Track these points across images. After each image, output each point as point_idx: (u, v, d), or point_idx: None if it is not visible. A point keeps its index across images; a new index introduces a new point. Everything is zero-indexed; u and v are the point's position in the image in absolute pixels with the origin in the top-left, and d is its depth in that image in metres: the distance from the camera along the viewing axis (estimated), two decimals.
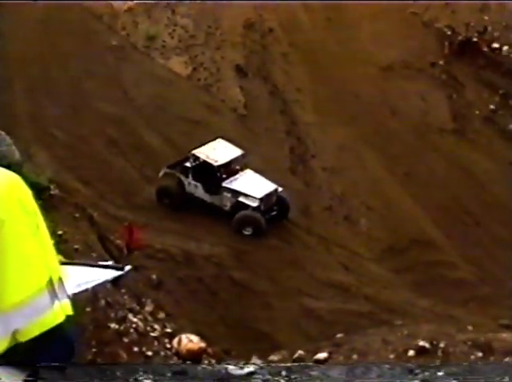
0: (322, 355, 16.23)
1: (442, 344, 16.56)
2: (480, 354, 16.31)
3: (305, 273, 26.53)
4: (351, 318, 23.76)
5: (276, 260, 26.32)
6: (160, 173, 29.83)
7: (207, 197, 29.59)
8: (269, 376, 13.36)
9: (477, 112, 40.07)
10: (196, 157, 29.58)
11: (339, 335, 18.80)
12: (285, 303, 24.27)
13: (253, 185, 29.59)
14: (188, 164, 29.75)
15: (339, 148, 35.01)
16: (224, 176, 29.61)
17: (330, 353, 16.35)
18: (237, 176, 29.90)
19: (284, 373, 13.96)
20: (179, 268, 24.53)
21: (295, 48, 37.81)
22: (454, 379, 13.23)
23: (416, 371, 14.36)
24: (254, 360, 15.75)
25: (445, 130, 38.73)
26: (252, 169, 30.93)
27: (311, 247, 28.44)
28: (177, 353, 15.81)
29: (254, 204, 29.17)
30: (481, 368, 14.24)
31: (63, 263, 3.78)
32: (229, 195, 29.48)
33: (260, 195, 29.27)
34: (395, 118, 38.12)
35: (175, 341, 16.21)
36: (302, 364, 15.94)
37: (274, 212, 29.39)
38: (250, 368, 14.00)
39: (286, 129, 34.73)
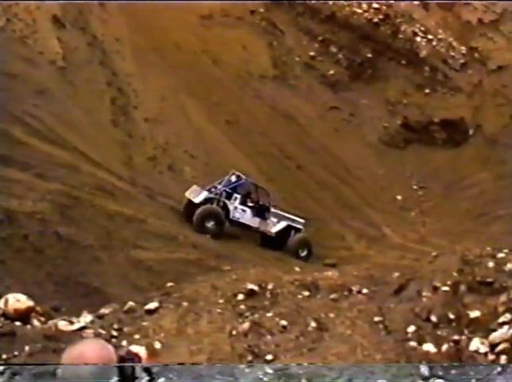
0: (152, 305, 16.29)
1: (270, 286, 16.94)
2: (307, 293, 16.81)
3: (132, 224, 26.44)
4: (179, 267, 23.91)
5: (101, 213, 26.05)
6: (199, 198, 28.09)
7: (254, 222, 28.88)
8: (101, 330, 13.37)
9: (297, 59, 40.86)
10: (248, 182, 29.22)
11: (168, 284, 18.89)
12: (114, 256, 24.10)
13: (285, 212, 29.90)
14: (230, 189, 28.70)
15: (160, 98, 34.88)
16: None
17: (160, 303, 16.43)
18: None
19: (115, 326, 14.08)
20: (1, 227, 23.80)
21: None
22: (282, 318, 13.75)
23: (246, 313, 14.90)
24: (85, 315, 15.65)
25: (266, 77, 39.29)
26: (75, 122, 30.44)
27: (135, 197, 28.32)
28: (4, 314, 15.45)
29: (302, 227, 29.68)
30: (307, 305, 14.84)
31: None
32: (275, 220, 29.20)
33: (303, 220, 29.86)
34: (216, 66, 38.29)
35: (1, 302, 15.81)
36: (132, 315, 15.97)
37: None
38: (81, 323, 14.02)
39: (107, 80, 34.19)
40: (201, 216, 27.59)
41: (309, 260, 28.84)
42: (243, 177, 29.32)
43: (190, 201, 28.38)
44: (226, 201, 28.39)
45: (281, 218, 29.42)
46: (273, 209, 29.45)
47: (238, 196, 28.60)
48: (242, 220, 28.79)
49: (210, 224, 27.58)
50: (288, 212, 30.20)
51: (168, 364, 12.97)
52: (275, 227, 29.22)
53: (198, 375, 11.86)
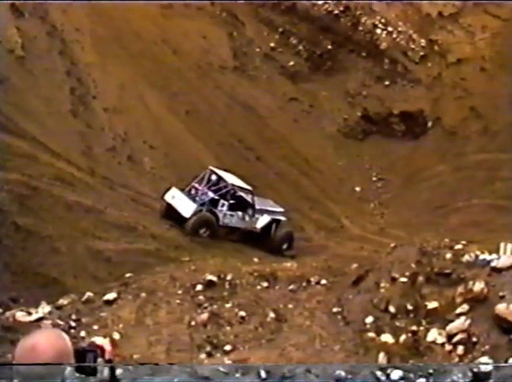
0: (111, 295, 16.24)
1: (229, 277, 16.97)
2: (266, 284, 16.86)
3: (91, 215, 26.30)
4: (138, 258, 23.85)
5: (60, 203, 25.88)
6: (190, 213, 27.80)
7: (241, 224, 29.21)
8: (59, 320, 13.30)
9: (257, 50, 40.83)
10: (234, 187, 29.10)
11: (127, 275, 18.83)
12: (72, 247, 23.97)
13: (263, 204, 30.18)
14: (217, 196, 28.63)
15: (120, 88, 34.67)
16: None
17: (119, 293, 16.38)
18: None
19: (74, 316, 14.02)
20: None
21: None
22: (241, 309, 13.76)
23: (205, 304, 14.92)
24: (43, 305, 15.55)
25: (226, 68, 39.23)
26: (34, 112, 30.15)
27: (94, 188, 28.16)
28: None
29: (283, 217, 30.41)
30: (266, 296, 14.91)
31: None
32: (259, 216, 29.46)
33: (282, 209, 30.61)
34: (176, 56, 38.14)
35: None
36: (91, 305, 15.91)
37: None
38: (39, 314, 13.97)
39: (66, 70, 33.88)
40: (195, 224, 27.79)
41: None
42: (220, 172, 29.22)
43: (170, 204, 28.33)
44: (215, 210, 28.41)
45: (263, 212, 29.67)
46: (260, 207, 29.60)
47: (226, 203, 28.69)
48: (230, 225, 29.10)
49: (202, 231, 27.92)
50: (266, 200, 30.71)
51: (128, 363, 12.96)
52: (259, 222, 29.56)
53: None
